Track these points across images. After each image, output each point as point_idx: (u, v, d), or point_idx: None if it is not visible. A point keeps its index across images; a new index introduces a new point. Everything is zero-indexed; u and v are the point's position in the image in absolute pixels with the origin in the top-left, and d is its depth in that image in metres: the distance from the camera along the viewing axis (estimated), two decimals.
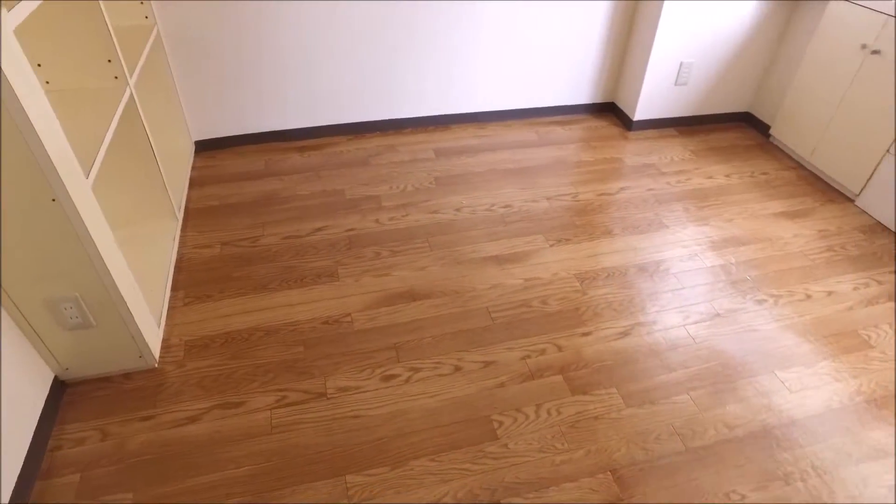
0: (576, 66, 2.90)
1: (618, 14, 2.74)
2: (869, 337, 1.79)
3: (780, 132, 2.75)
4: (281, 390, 1.59)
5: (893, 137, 2.16)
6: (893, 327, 1.83)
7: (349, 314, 1.83)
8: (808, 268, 2.07)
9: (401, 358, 1.69)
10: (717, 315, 1.86)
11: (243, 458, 1.42)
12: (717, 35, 2.67)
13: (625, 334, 1.78)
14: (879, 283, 2.01)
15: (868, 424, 1.53)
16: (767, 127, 2.89)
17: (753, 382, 1.64)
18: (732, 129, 3.00)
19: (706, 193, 2.47)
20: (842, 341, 1.78)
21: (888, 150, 2.20)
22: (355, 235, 2.18)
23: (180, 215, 2.17)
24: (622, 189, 2.49)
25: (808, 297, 1.94)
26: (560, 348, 1.73)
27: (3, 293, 1.32)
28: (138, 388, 1.58)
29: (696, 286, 1.98)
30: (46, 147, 1.12)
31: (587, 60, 2.89)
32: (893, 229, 2.25)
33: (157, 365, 1.64)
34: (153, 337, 1.62)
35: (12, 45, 1.06)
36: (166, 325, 1.77)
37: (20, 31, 1.11)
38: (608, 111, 3.13)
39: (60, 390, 1.55)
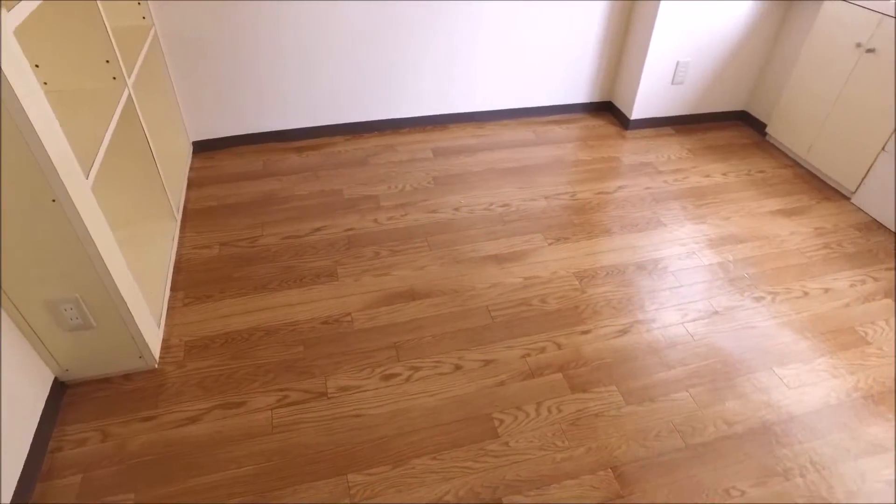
0: (573, 66, 2.91)
1: (614, 14, 2.75)
2: (866, 333, 1.81)
3: (777, 130, 2.77)
4: (282, 390, 1.59)
5: (889, 135, 2.18)
6: (892, 324, 1.84)
7: (349, 314, 1.83)
8: (805, 265, 2.08)
9: (401, 357, 1.69)
10: (716, 312, 1.87)
11: (245, 457, 1.42)
12: (713, 34, 2.69)
13: (624, 332, 1.79)
14: (875, 279, 2.02)
15: (865, 420, 1.55)
16: (763, 125, 2.91)
17: (752, 379, 1.65)
18: (729, 127, 3.02)
19: (703, 192, 2.49)
20: (839, 338, 1.79)
21: (883, 148, 2.21)
22: (354, 235, 2.18)
23: (179, 216, 2.16)
24: (620, 188, 2.50)
25: (806, 294, 1.95)
26: (560, 346, 1.74)
27: (3, 294, 1.32)
28: (139, 388, 1.58)
29: (695, 284, 1.99)
30: (47, 147, 1.12)
31: (584, 60, 2.90)
32: (889, 226, 2.27)
33: (157, 366, 1.64)
34: (153, 338, 1.61)
35: (12, 45, 1.06)
36: (166, 325, 1.77)
37: (18, 32, 1.11)
38: (605, 110, 3.14)
39: (60, 392, 1.54)
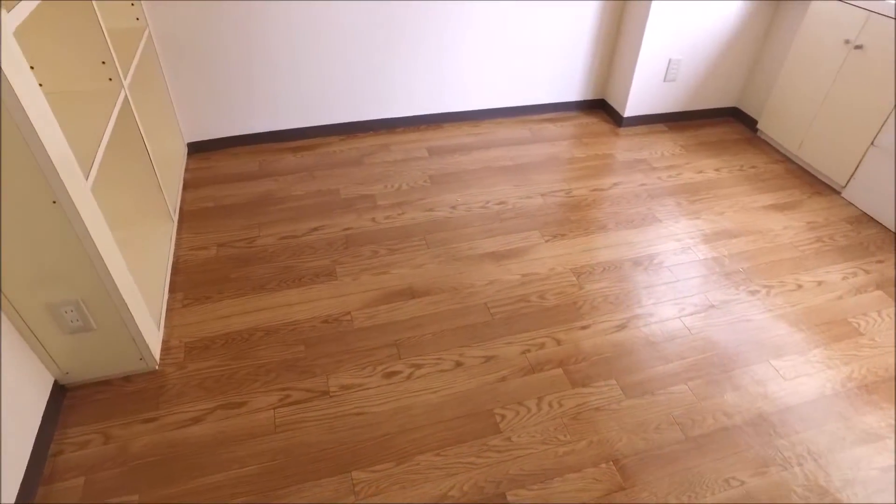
0: (567, 64, 2.93)
1: (607, 13, 2.78)
2: (858, 325, 1.84)
3: (768, 126, 2.80)
4: (283, 389, 1.59)
5: (877, 130, 2.21)
6: (884, 315, 1.87)
7: (349, 312, 1.84)
8: (798, 258, 2.11)
9: (402, 355, 1.70)
10: (712, 306, 1.90)
11: (248, 457, 1.42)
12: (705, 32, 2.72)
13: (622, 327, 1.81)
14: (867, 272, 2.05)
15: (860, 409, 1.57)
16: (755, 122, 2.95)
17: (749, 371, 1.68)
18: (721, 123, 3.05)
19: (697, 187, 2.51)
20: (833, 329, 1.82)
21: (872, 143, 2.25)
22: (352, 234, 2.18)
23: (175, 217, 2.16)
24: (615, 184, 2.52)
25: (799, 286, 1.98)
26: (559, 342, 1.75)
27: (3, 298, 1.31)
28: (139, 390, 1.58)
29: (690, 278, 2.01)
30: (47, 148, 1.12)
31: (578, 58, 2.92)
32: (879, 220, 2.30)
33: (157, 367, 1.63)
34: (153, 339, 1.61)
35: (12, 46, 1.05)
36: (165, 327, 1.76)
37: (16, 33, 1.10)
38: (599, 108, 3.16)
39: (61, 395, 1.53)
